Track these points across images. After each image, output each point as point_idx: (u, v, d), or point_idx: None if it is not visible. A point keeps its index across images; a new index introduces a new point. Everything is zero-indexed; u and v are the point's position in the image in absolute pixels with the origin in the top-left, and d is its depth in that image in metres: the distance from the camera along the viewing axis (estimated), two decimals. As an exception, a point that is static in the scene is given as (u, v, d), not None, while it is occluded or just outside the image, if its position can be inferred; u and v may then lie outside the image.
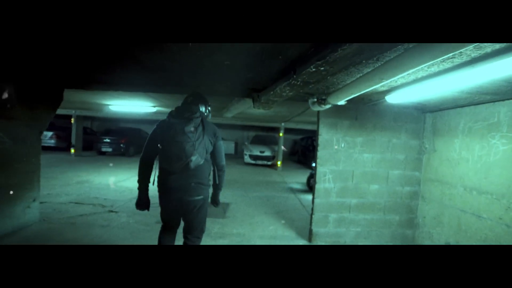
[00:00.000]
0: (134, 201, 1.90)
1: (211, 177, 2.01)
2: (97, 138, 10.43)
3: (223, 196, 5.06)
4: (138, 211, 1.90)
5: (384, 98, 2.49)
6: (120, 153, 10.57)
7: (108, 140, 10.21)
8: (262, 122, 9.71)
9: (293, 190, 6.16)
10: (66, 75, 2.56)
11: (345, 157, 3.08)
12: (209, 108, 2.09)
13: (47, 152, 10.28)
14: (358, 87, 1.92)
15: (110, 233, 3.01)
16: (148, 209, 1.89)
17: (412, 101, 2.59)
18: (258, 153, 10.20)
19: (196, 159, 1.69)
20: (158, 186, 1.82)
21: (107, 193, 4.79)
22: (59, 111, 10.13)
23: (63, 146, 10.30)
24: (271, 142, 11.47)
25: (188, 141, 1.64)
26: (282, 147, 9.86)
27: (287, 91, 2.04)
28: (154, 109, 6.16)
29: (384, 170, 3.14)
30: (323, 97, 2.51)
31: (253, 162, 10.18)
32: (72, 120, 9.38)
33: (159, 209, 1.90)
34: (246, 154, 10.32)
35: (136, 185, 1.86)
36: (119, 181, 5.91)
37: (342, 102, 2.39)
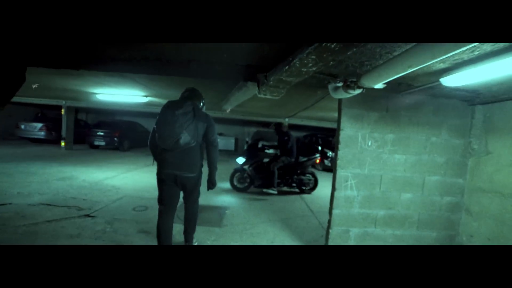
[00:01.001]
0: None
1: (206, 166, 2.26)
2: (89, 130, 9.83)
3: (221, 200, 4.50)
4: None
5: (434, 80, 1.87)
6: (114, 147, 9.99)
7: (101, 133, 9.61)
8: (264, 117, 9.09)
9: (305, 201, 5.57)
10: (30, 51, 1.97)
11: (372, 159, 2.47)
12: (203, 101, 2.40)
13: (36, 145, 9.72)
14: (415, 59, 1.30)
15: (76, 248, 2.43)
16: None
17: (468, 84, 1.96)
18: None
19: (185, 138, 1.91)
20: (157, 163, 2.08)
21: (88, 193, 4.19)
22: (48, 101, 9.63)
23: (53, 138, 9.71)
24: (273, 139, 10.85)
25: (177, 121, 1.88)
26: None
27: (311, 65, 1.42)
28: (146, 99, 5.53)
29: (419, 175, 2.52)
30: (353, 79, 1.89)
31: (254, 159, 9.58)
32: (62, 111, 8.78)
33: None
34: (247, 151, 9.72)
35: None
36: (107, 178, 5.32)
37: (379, 85, 1.77)
